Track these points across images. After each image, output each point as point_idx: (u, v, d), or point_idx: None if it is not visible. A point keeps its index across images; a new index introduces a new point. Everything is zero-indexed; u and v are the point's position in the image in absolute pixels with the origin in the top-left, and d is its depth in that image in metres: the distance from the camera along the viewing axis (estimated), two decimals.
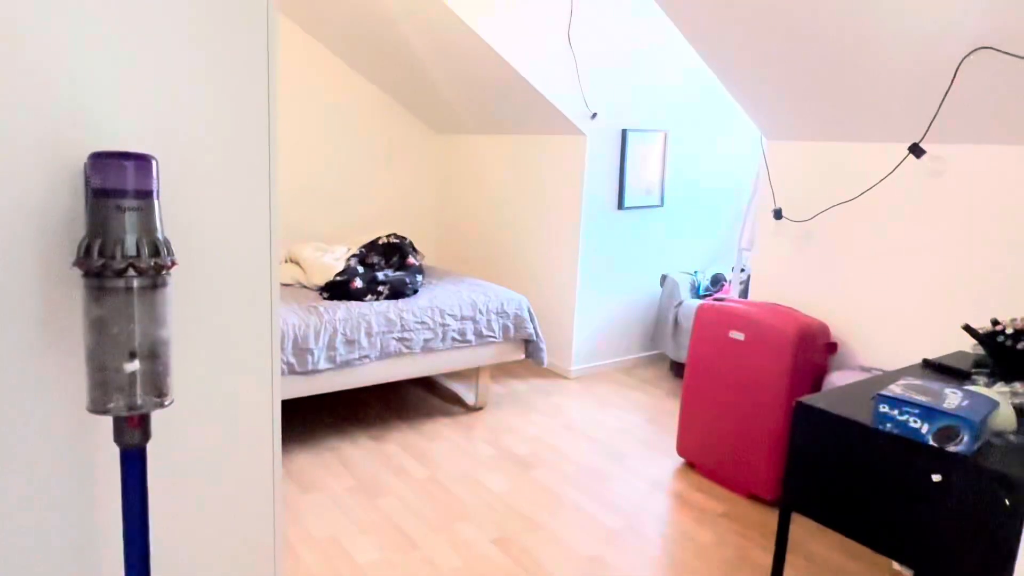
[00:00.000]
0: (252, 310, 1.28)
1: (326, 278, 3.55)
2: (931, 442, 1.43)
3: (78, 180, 1.08)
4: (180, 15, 1.14)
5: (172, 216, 1.15)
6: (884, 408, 1.49)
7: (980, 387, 1.72)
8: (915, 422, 1.45)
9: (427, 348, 3.45)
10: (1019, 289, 2.55)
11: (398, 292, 3.51)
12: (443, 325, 3.49)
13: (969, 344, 2.43)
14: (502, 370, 4.53)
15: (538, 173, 4.58)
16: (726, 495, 3.00)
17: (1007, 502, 1.30)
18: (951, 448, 1.41)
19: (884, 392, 1.50)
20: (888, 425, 1.48)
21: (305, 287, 3.68)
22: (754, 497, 2.96)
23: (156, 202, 1.03)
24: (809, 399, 1.67)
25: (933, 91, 2.48)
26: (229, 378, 1.27)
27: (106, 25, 1.08)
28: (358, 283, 3.46)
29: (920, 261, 2.83)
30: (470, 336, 3.58)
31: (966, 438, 1.40)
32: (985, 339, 1.96)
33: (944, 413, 1.42)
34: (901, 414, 1.47)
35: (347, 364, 3.19)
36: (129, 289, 1.00)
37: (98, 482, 1.17)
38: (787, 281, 3.29)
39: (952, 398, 1.49)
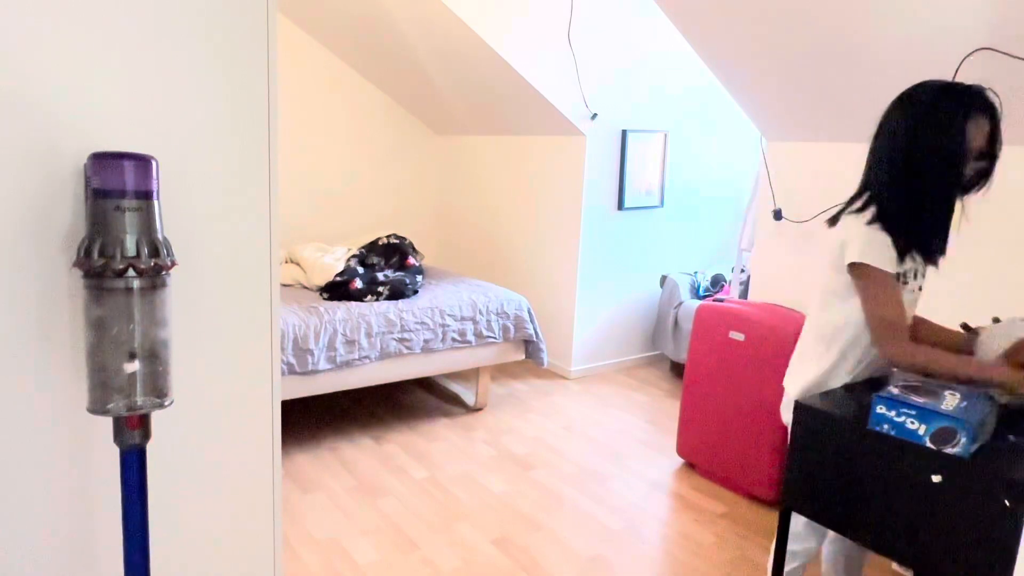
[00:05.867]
0: (252, 310, 1.28)
1: (326, 278, 3.55)
2: (928, 444, 1.43)
3: (78, 181, 1.08)
4: (180, 15, 1.14)
5: (172, 216, 1.15)
6: (881, 409, 1.48)
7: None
8: (912, 423, 1.44)
9: (427, 348, 3.45)
10: (1019, 289, 2.55)
11: (398, 292, 3.51)
12: (443, 325, 3.49)
13: None
14: (502, 371, 4.53)
15: (538, 174, 4.58)
16: (726, 495, 3.00)
17: (1007, 502, 1.30)
18: (948, 450, 1.41)
19: (882, 393, 1.50)
20: (885, 426, 1.48)
21: (305, 287, 3.68)
22: (754, 497, 2.96)
23: (156, 202, 1.04)
24: (809, 399, 1.66)
25: None
26: (229, 378, 1.28)
27: (106, 25, 1.08)
28: (358, 283, 3.46)
29: None
30: (470, 336, 3.58)
31: (963, 440, 1.39)
32: None
33: (941, 415, 1.41)
34: (898, 415, 1.46)
35: (347, 364, 3.19)
36: (129, 289, 1.00)
37: (98, 482, 1.17)
38: (787, 281, 3.29)
39: (950, 399, 1.48)
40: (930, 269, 1.80)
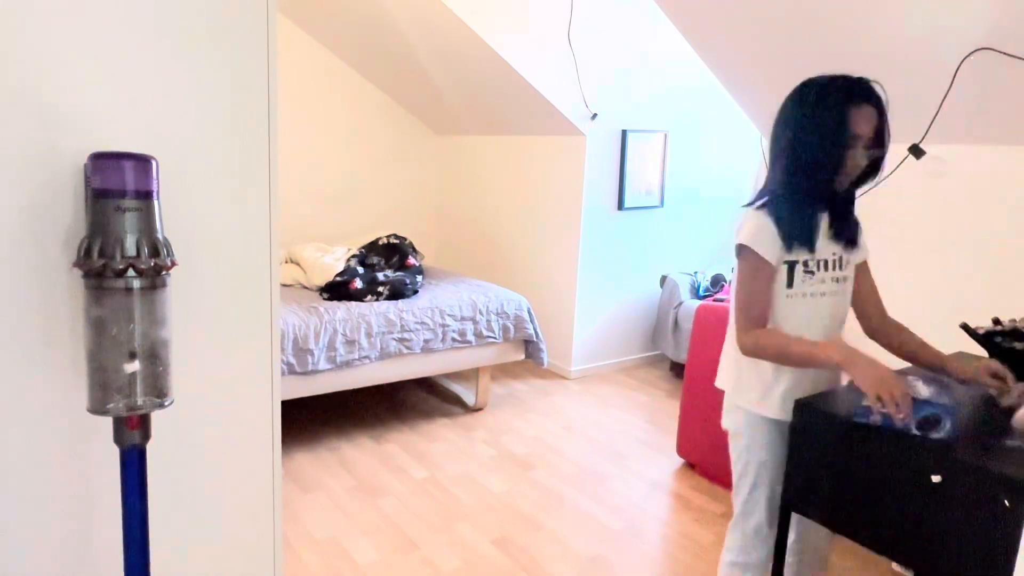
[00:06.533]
0: (252, 310, 1.28)
1: (326, 279, 3.55)
2: (914, 431, 1.45)
3: (79, 180, 1.08)
4: (180, 15, 1.14)
5: (172, 216, 1.15)
6: (868, 401, 1.51)
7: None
8: None
9: (427, 348, 3.45)
10: (1019, 289, 2.55)
11: (398, 292, 3.50)
12: (443, 326, 3.49)
13: (970, 344, 2.43)
14: (502, 371, 4.53)
15: (538, 174, 4.58)
16: (726, 495, 3.00)
17: (1007, 502, 1.30)
18: (934, 436, 1.43)
19: None
20: (872, 417, 1.50)
21: (305, 287, 3.68)
22: None
23: (156, 202, 1.04)
24: (808, 399, 1.66)
25: (933, 91, 2.48)
26: (229, 378, 1.28)
27: (107, 26, 1.08)
28: (358, 283, 3.46)
29: (920, 261, 2.83)
30: (470, 336, 3.58)
31: (948, 425, 1.42)
32: (982, 339, 1.96)
33: (925, 403, 1.45)
34: (884, 406, 1.49)
35: (347, 364, 3.19)
36: (129, 289, 1.00)
37: (98, 482, 1.17)
38: None
39: (923, 388, 1.51)
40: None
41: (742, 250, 1.65)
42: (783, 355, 1.62)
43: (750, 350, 1.65)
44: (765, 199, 1.67)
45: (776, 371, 1.70)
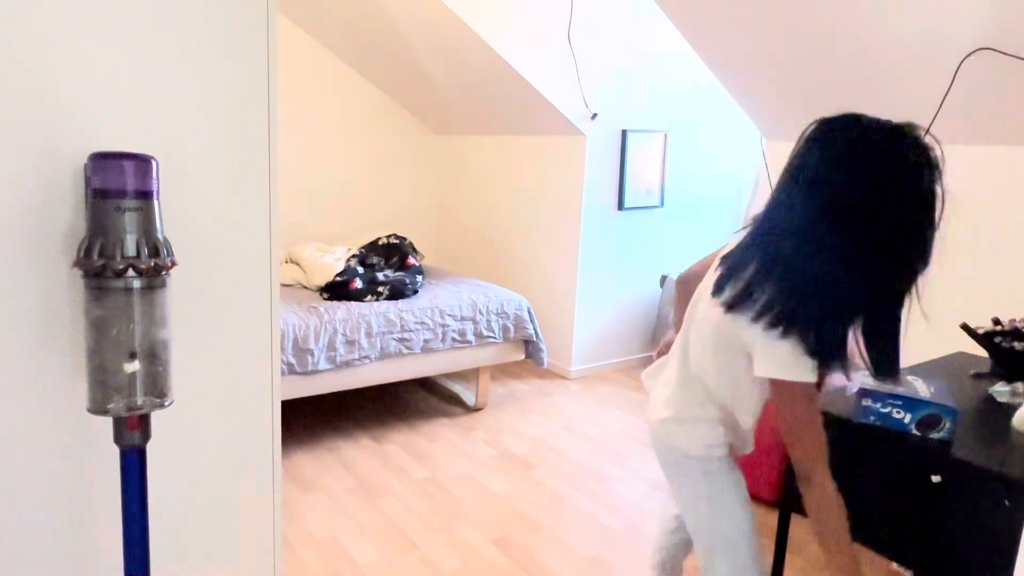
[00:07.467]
0: (252, 310, 1.28)
1: (326, 278, 3.55)
2: (914, 431, 1.45)
3: (79, 180, 1.08)
4: (180, 15, 1.14)
5: (172, 216, 1.15)
6: (867, 402, 1.51)
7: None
8: (899, 413, 1.48)
9: (427, 348, 3.44)
10: (1019, 289, 2.55)
11: (398, 292, 3.51)
12: (443, 325, 3.49)
13: (970, 344, 2.43)
14: (502, 371, 4.53)
15: (538, 173, 4.58)
16: None
17: (1007, 502, 1.30)
18: (933, 435, 1.43)
19: (865, 387, 1.53)
20: (872, 418, 1.51)
21: (305, 287, 3.68)
22: (754, 497, 2.95)
23: (156, 203, 1.04)
24: None
25: (933, 91, 2.49)
26: (229, 378, 1.28)
27: (106, 26, 1.08)
28: (358, 283, 3.46)
29: None
30: (470, 336, 3.58)
31: (948, 424, 1.43)
32: (982, 339, 1.96)
33: (925, 402, 1.45)
34: (884, 406, 1.49)
35: (347, 364, 3.19)
36: (129, 289, 1.00)
37: (98, 482, 1.17)
38: None
39: (923, 387, 1.52)
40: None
41: (783, 383, 1.22)
42: (826, 526, 1.27)
43: (827, 498, 1.26)
44: (782, 314, 1.19)
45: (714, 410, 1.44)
